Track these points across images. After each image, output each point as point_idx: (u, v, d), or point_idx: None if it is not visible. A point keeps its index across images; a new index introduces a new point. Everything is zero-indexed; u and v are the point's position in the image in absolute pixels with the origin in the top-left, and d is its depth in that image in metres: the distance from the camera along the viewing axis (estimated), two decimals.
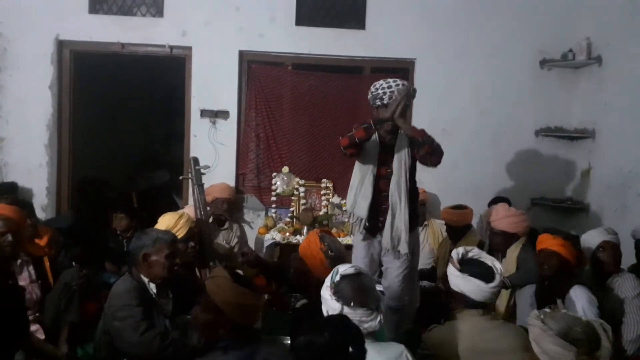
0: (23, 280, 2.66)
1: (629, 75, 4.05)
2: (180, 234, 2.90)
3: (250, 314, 1.86)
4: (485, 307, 2.16)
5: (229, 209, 4.44)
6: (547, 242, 2.89)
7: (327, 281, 2.03)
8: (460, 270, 2.15)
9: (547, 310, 1.82)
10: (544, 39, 4.68)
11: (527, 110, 4.73)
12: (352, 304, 1.91)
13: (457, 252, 2.23)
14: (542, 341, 1.73)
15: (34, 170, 4.57)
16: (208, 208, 3.87)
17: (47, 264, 2.78)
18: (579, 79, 4.69)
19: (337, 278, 1.99)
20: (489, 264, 2.17)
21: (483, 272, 2.12)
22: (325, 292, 2.00)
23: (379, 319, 1.95)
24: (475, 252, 2.24)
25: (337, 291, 1.96)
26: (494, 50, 4.68)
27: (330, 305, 1.95)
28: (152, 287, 2.44)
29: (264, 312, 2.08)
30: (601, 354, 1.69)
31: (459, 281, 2.14)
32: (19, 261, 2.70)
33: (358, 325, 1.84)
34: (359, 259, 3.02)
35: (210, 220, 3.68)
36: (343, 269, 2.04)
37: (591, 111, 4.52)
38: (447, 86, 4.70)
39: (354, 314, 1.90)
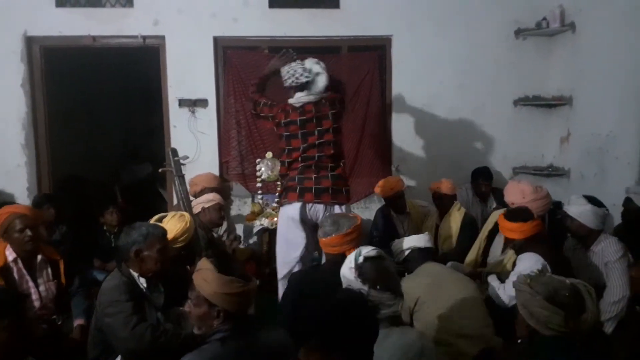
0: (42, 278, 2.85)
1: (603, 40, 4.09)
2: (185, 240, 2.83)
3: (239, 301, 1.83)
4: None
5: None
6: (502, 228, 2.94)
7: (350, 262, 2.00)
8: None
9: (533, 273, 1.87)
10: (518, 8, 4.69)
11: (505, 81, 4.77)
12: (378, 287, 1.91)
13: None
14: (531, 305, 1.77)
15: (12, 171, 4.49)
16: (193, 198, 3.87)
17: (62, 267, 2.93)
18: (554, 47, 4.73)
19: (361, 260, 1.97)
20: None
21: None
22: (349, 273, 1.96)
23: (400, 303, 1.96)
24: None
25: (361, 273, 1.94)
26: (470, 23, 4.68)
27: (355, 287, 1.92)
28: (142, 282, 2.43)
29: (255, 297, 2.06)
30: (587, 317, 1.73)
31: (407, 243, 2.76)
32: (39, 258, 2.84)
33: (380, 307, 1.87)
34: None
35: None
36: (366, 250, 2.03)
37: (567, 78, 4.57)
38: (425, 61, 4.69)
39: (380, 297, 1.90)
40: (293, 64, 3.32)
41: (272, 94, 3.54)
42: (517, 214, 2.86)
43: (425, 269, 2.66)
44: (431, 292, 2.49)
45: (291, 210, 3.22)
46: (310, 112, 3.27)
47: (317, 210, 3.21)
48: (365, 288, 1.90)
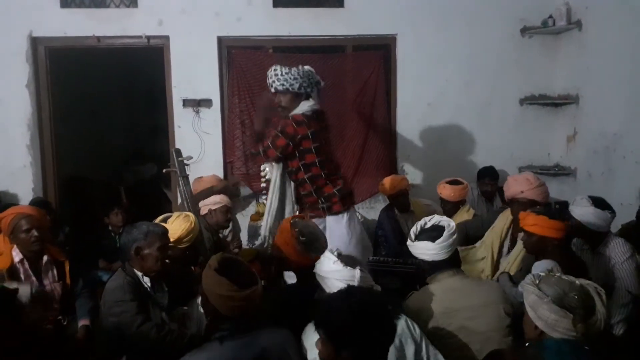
0: (48, 279, 2.86)
1: (609, 38, 4.06)
2: (190, 241, 2.81)
3: (232, 305, 1.79)
4: (455, 267, 2.32)
5: None
6: (522, 222, 2.79)
7: (330, 260, 2.13)
8: (413, 240, 2.34)
9: (542, 274, 1.83)
10: (524, 6, 4.65)
11: (511, 79, 4.73)
12: (362, 269, 2.12)
13: (415, 226, 2.38)
14: (539, 308, 1.74)
15: (17, 172, 4.50)
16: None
17: (67, 267, 2.93)
18: (561, 45, 4.69)
19: (336, 254, 2.17)
20: (444, 224, 2.32)
21: (431, 235, 2.28)
22: (337, 267, 2.09)
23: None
24: (435, 220, 2.37)
25: (346, 262, 2.11)
26: (475, 21, 4.64)
27: (348, 276, 2.06)
28: (147, 281, 2.43)
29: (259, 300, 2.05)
30: (596, 319, 1.70)
31: (415, 250, 2.34)
32: (45, 258, 2.84)
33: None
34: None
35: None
36: (334, 251, 2.22)
37: (574, 76, 4.53)
38: (430, 60, 4.67)
39: (367, 276, 2.12)
40: (300, 68, 3.10)
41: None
42: (556, 214, 2.78)
43: (436, 289, 2.28)
44: (441, 332, 2.19)
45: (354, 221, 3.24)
46: (323, 121, 3.18)
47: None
48: (358, 271, 2.07)
